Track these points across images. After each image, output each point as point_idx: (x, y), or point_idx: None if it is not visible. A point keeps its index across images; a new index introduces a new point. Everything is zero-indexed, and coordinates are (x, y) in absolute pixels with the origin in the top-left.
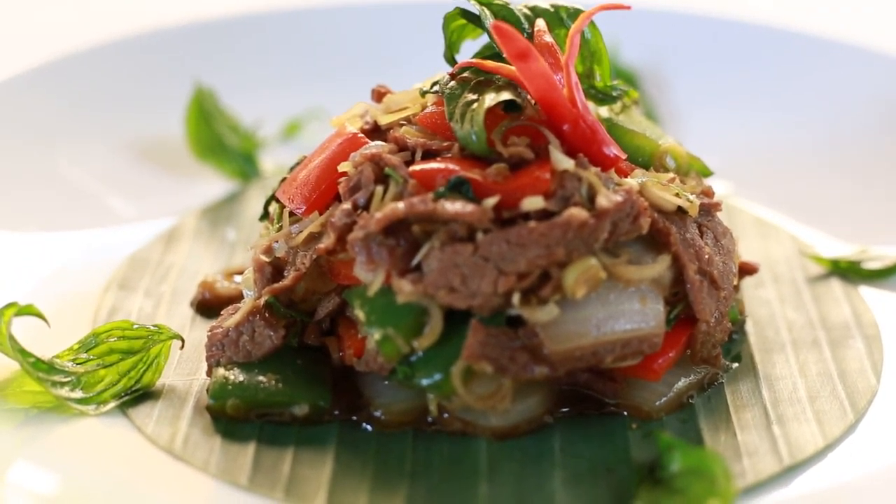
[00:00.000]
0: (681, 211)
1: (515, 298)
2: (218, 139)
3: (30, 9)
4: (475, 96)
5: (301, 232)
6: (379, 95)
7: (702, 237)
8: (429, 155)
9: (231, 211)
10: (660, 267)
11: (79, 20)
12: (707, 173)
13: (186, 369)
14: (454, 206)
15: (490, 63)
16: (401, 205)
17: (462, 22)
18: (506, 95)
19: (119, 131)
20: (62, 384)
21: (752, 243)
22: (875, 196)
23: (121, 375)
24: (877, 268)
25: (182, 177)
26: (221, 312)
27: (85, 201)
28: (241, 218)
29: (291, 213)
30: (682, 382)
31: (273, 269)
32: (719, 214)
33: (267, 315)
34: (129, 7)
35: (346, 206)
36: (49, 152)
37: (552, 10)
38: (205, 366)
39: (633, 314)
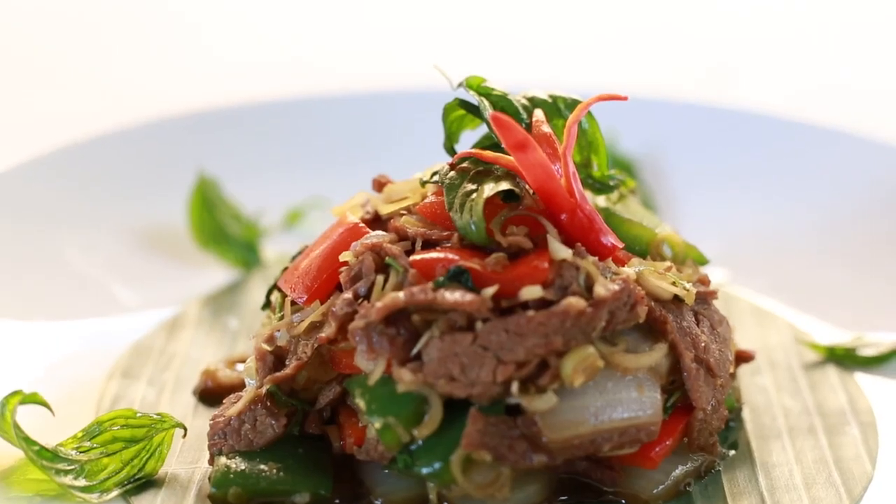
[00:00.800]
0: (677, 299)
1: (514, 387)
2: (220, 228)
3: (35, 97)
4: (474, 186)
5: (303, 321)
6: (379, 185)
7: (698, 325)
8: (429, 244)
9: (233, 299)
10: (657, 355)
11: (82, 109)
12: (703, 261)
13: (189, 457)
14: (454, 296)
15: (489, 153)
16: (401, 294)
17: (461, 112)
18: (504, 185)
19: (123, 219)
20: (66, 472)
21: (748, 331)
22: (870, 283)
23: (124, 464)
24: (872, 354)
25: (185, 265)
26: (224, 401)
27: (89, 289)
28: (243, 306)
29: (293, 303)
30: (679, 470)
31: (275, 358)
32: (715, 302)
33: (269, 404)
34: (132, 96)
35: (348, 295)
36: (54, 240)
37: (550, 100)
38: (207, 454)
39: (631, 402)
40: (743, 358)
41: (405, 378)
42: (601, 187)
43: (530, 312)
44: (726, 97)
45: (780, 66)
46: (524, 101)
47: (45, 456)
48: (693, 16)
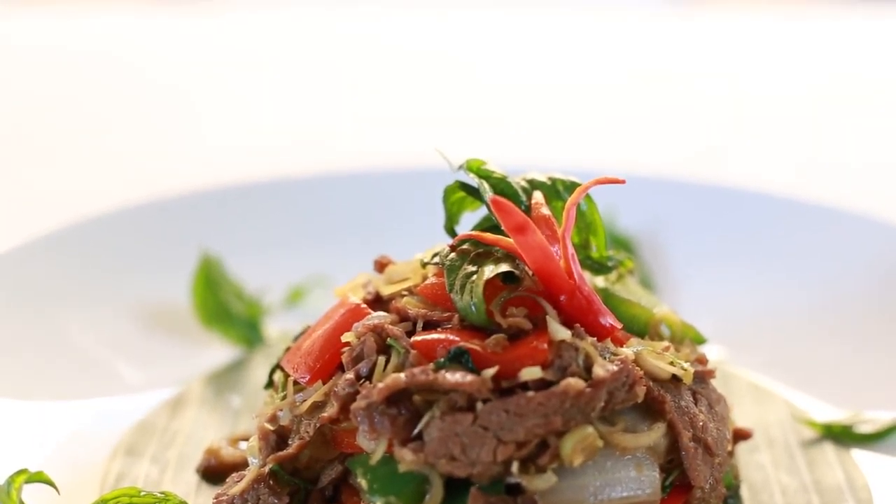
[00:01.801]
0: (675, 379)
1: (514, 467)
2: (223, 307)
3: (38, 176)
4: (474, 268)
5: (305, 401)
6: (381, 266)
7: (696, 404)
8: (430, 325)
9: (236, 378)
10: (655, 435)
11: (85, 188)
12: (701, 341)
13: None
14: (454, 377)
15: (489, 235)
16: (402, 375)
17: (461, 194)
18: (504, 267)
19: (126, 298)
20: None
21: (746, 408)
22: (867, 360)
23: None
24: (869, 431)
25: (188, 343)
26: (227, 479)
27: (92, 368)
28: (245, 384)
29: (296, 382)
30: None
31: (277, 437)
32: (713, 381)
33: (271, 483)
34: (135, 175)
35: (349, 375)
36: (57, 318)
37: (549, 182)
38: None
39: (630, 481)
40: (741, 436)
41: (407, 458)
42: (599, 268)
43: (530, 393)
44: (723, 175)
45: (777, 143)
46: (523, 184)
47: None
48: (689, 94)
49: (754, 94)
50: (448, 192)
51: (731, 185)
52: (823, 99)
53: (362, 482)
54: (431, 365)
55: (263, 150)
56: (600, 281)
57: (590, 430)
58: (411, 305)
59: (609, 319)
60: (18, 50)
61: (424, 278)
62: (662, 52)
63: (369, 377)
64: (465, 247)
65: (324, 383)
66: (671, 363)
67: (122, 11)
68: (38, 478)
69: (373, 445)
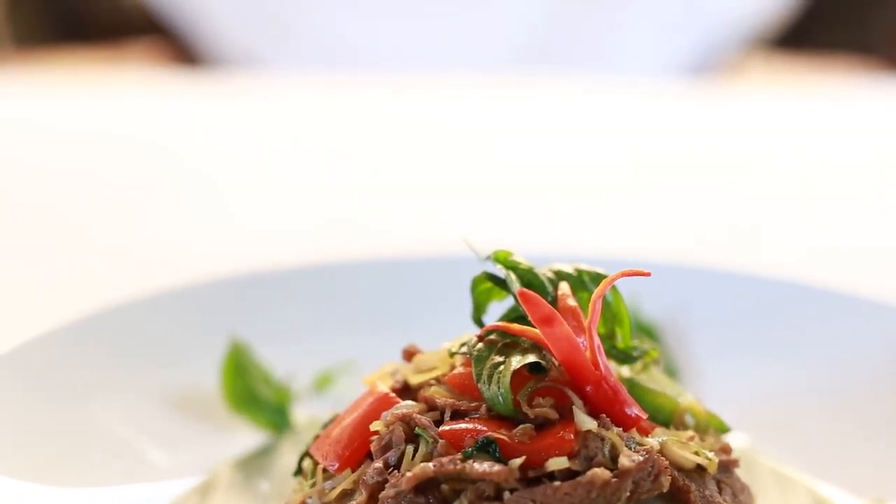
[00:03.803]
0: (700, 468)
1: None
2: (252, 392)
3: (64, 262)
4: (502, 359)
5: (334, 489)
6: (409, 355)
7: (720, 493)
8: (457, 415)
9: (264, 463)
10: None
11: (114, 275)
12: (724, 430)
13: None
14: (482, 467)
15: (516, 326)
16: (431, 465)
17: (489, 285)
18: (531, 358)
19: (155, 383)
20: None
21: (769, 497)
22: (891, 447)
23: None
24: None
25: (216, 428)
26: None
27: (122, 453)
28: (274, 470)
29: (325, 470)
30: None
31: None
32: (737, 470)
33: None
34: (164, 262)
35: (378, 464)
36: (86, 405)
37: (575, 273)
38: None
39: None
40: None
41: None
42: (625, 358)
43: (557, 483)
44: (748, 260)
45: (802, 227)
46: (550, 275)
47: None
48: (711, 176)
49: (777, 177)
50: (476, 283)
51: (755, 271)
52: (848, 181)
53: None
54: (459, 454)
55: (291, 235)
56: (626, 371)
57: None
58: (439, 395)
59: (634, 409)
60: (46, 131)
61: (452, 368)
62: (682, 132)
63: (398, 466)
64: (492, 337)
65: (353, 471)
66: (696, 453)
67: (150, 93)
68: None
69: None
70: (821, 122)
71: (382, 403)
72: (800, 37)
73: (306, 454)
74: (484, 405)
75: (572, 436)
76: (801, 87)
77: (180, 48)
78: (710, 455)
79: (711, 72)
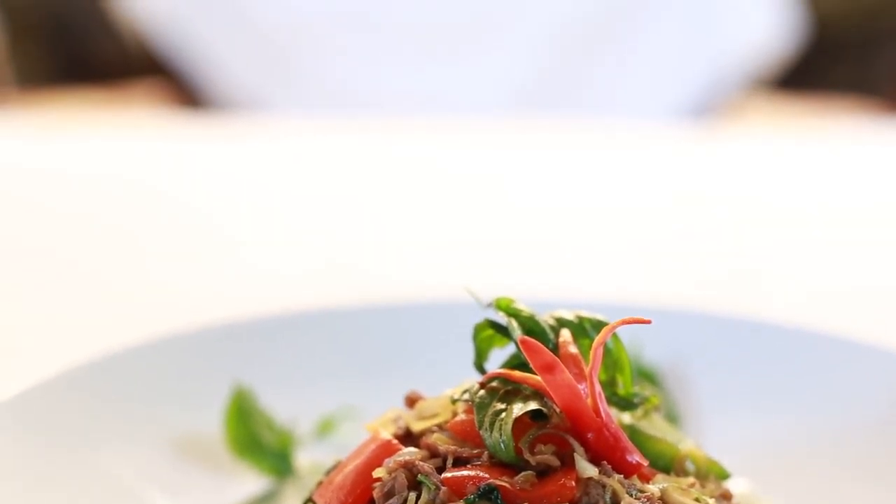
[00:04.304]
0: None
1: None
2: (255, 438)
3: (66, 308)
4: (503, 406)
5: None
6: (411, 401)
7: None
8: (460, 462)
9: None
10: None
11: (116, 321)
12: (725, 476)
13: None
14: None
15: (517, 374)
16: None
17: (491, 332)
18: (533, 405)
19: (158, 429)
20: None
21: None
22: (891, 495)
23: None
24: None
25: (219, 474)
26: None
27: (125, 500)
28: None
29: None
30: None
31: None
32: None
33: None
34: (167, 307)
35: None
36: (90, 449)
37: (576, 321)
38: None
39: None
40: None
41: None
42: (626, 405)
43: None
44: (748, 304)
45: (805, 272)
46: (552, 322)
47: None
48: (712, 221)
49: (780, 220)
50: (478, 330)
51: (756, 317)
52: (851, 224)
53: None
54: (462, 501)
55: (295, 279)
56: (626, 417)
57: None
58: (441, 441)
59: (635, 456)
60: (49, 173)
61: (454, 415)
62: (682, 175)
63: None
64: (494, 384)
65: None
66: (696, 499)
67: (154, 135)
68: None
69: None
70: (823, 165)
71: (385, 450)
72: (802, 77)
73: (309, 500)
74: (486, 452)
75: (574, 483)
76: (804, 128)
77: (184, 90)
78: (711, 501)
79: (713, 113)
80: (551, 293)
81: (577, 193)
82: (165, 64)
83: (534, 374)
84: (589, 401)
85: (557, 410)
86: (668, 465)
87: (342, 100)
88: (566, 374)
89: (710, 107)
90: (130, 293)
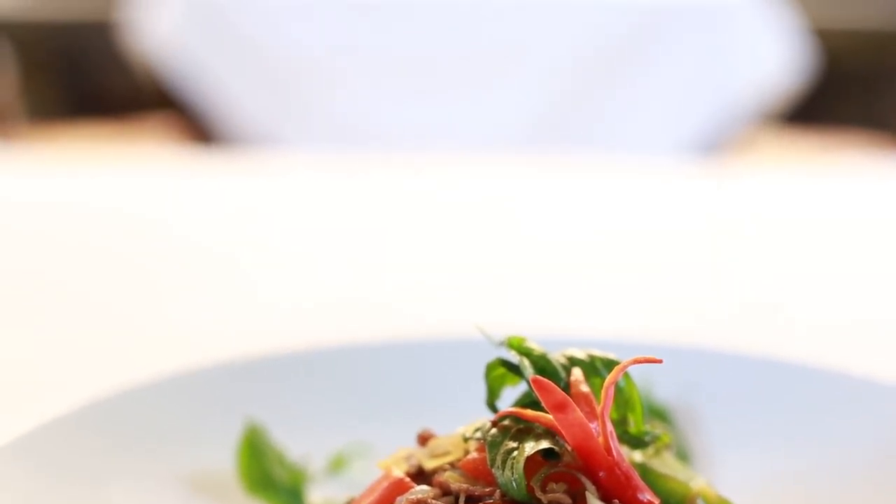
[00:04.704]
0: None
1: None
2: (267, 475)
3: (75, 347)
4: (515, 444)
5: None
6: (423, 439)
7: None
8: (472, 500)
9: None
10: None
11: (128, 358)
12: None
13: None
14: None
15: (529, 412)
16: None
17: (503, 371)
18: (545, 444)
19: (170, 466)
20: None
21: None
22: None
23: None
24: None
25: None
26: None
27: None
28: None
29: None
30: None
31: None
32: None
33: None
34: (179, 344)
35: None
36: (101, 489)
37: (588, 360)
38: None
39: None
40: None
41: None
42: (637, 443)
43: None
44: (759, 341)
45: (818, 305)
46: (563, 361)
47: None
48: (720, 256)
49: (788, 256)
50: (489, 369)
51: (767, 354)
52: (864, 259)
53: None
54: None
55: (306, 314)
56: (638, 455)
57: None
58: (453, 479)
59: (647, 495)
60: (60, 207)
61: (466, 453)
62: (692, 211)
63: None
64: (506, 423)
65: None
66: None
67: (165, 170)
68: None
69: None
70: (832, 199)
71: (397, 488)
72: (811, 112)
73: None
74: (498, 490)
75: None
76: (812, 164)
77: (194, 124)
78: None
79: (723, 148)
80: (563, 330)
81: (587, 229)
82: (176, 99)
83: (546, 412)
84: (600, 439)
85: (569, 449)
86: (679, 503)
87: (352, 134)
88: (578, 413)
89: (720, 141)
90: (141, 329)
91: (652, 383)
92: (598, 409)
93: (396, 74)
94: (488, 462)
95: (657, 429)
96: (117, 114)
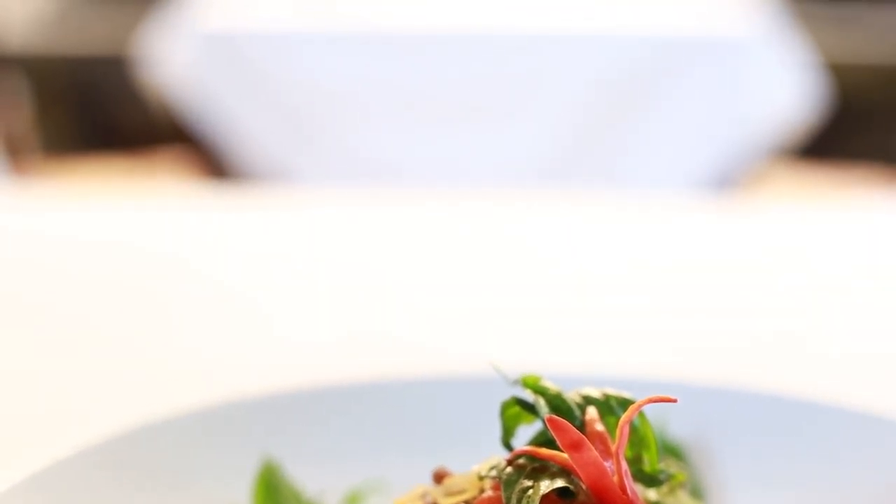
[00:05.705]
0: None
1: None
2: None
3: (90, 383)
4: (531, 483)
5: None
6: (439, 477)
7: None
8: None
9: None
10: None
11: (141, 393)
12: None
13: None
14: None
15: (544, 451)
16: None
17: (518, 409)
18: (560, 483)
19: (185, 503)
20: None
21: None
22: None
23: None
24: None
25: None
26: None
27: None
28: None
29: None
30: None
31: None
32: None
33: None
34: (190, 380)
35: None
36: None
37: (603, 398)
38: None
39: None
40: None
41: None
42: (652, 482)
43: None
44: (774, 378)
45: (834, 342)
46: (578, 399)
47: None
48: (734, 293)
49: (803, 292)
50: (505, 407)
51: (783, 391)
52: (879, 295)
53: None
54: None
55: (323, 350)
56: (652, 494)
57: None
58: None
59: None
60: (74, 242)
61: (481, 491)
62: (706, 248)
63: None
64: (521, 461)
65: None
66: None
67: (180, 205)
68: None
69: None
70: (847, 235)
71: None
72: (825, 146)
73: None
74: None
75: None
76: (826, 198)
77: (209, 158)
78: None
79: (736, 183)
80: (578, 367)
81: (602, 263)
82: (191, 133)
83: (561, 451)
84: (615, 478)
85: (584, 488)
86: None
87: (369, 168)
88: (593, 452)
89: (734, 176)
90: (154, 365)
91: (666, 421)
92: (613, 447)
93: (412, 108)
94: (503, 500)
95: (672, 467)
96: (132, 148)
